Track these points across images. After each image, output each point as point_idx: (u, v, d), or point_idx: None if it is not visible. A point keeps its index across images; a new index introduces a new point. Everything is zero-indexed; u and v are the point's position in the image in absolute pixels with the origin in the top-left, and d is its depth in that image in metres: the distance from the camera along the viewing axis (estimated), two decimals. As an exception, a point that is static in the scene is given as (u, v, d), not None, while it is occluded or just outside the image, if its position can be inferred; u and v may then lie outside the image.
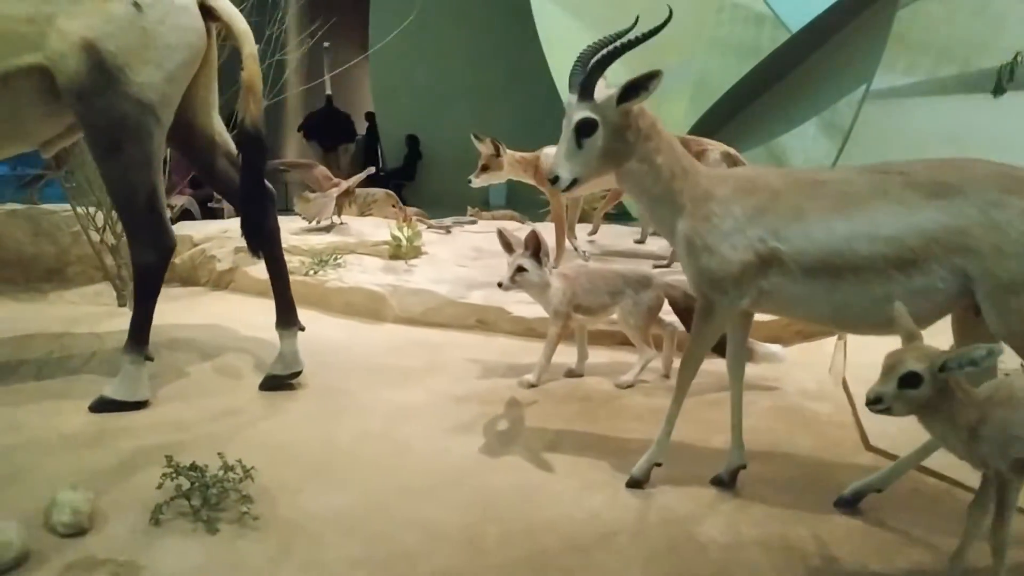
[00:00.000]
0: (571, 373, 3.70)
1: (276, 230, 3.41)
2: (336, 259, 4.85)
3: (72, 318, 4.49)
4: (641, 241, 5.62)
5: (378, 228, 5.56)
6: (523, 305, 4.31)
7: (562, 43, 11.08)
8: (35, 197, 6.27)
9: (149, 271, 3.18)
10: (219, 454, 2.62)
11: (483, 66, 14.05)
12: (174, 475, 2.53)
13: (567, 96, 2.57)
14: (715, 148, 4.85)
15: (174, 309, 4.54)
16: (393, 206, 6.95)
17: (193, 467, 2.56)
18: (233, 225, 5.46)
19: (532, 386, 3.54)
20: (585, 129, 2.50)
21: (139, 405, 3.21)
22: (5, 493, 2.60)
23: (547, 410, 3.37)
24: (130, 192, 3.06)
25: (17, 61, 2.87)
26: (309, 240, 5.28)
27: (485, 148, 4.79)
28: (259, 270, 5.05)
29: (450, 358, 3.92)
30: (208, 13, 3.12)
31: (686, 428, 3.01)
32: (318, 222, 5.51)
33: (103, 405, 3.17)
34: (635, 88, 2.44)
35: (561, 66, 11.01)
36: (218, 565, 2.27)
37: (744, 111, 11.40)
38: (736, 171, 2.54)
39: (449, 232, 5.92)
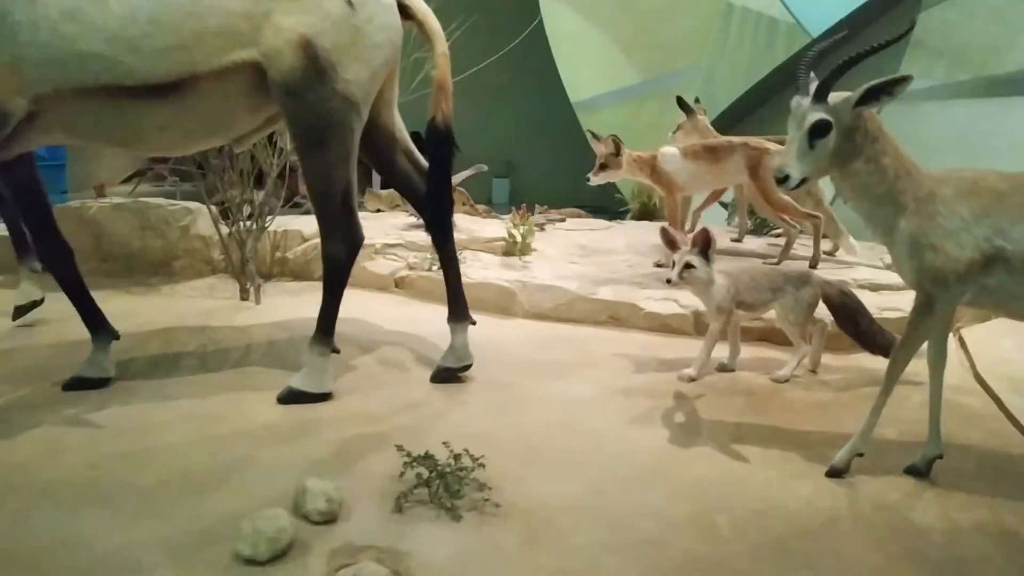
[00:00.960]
0: (723, 368, 3.78)
1: (453, 225, 3.47)
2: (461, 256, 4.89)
3: (201, 312, 4.53)
4: (739, 240, 5.71)
5: (486, 225, 5.62)
6: (655, 302, 4.40)
7: (570, 41, 11.21)
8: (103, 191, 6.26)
9: (340, 265, 3.24)
10: (444, 443, 2.68)
11: (489, 63, 14.16)
12: (413, 464, 2.59)
13: (796, 98, 2.64)
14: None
15: (302, 303, 4.59)
16: (463, 203, 7.02)
17: (427, 456, 2.62)
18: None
19: (692, 380, 3.62)
20: (819, 130, 2.57)
21: (325, 397, 3.26)
22: (243, 482, 2.64)
23: (715, 403, 3.44)
24: (329, 187, 3.12)
25: (233, 56, 2.92)
26: (409, 236, 5.34)
27: (604, 147, 4.87)
28: (377, 265, 5.17)
29: (596, 353, 3.99)
30: (403, 12, 3.17)
31: (850, 421, 3.11)
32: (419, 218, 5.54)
33: (292, 396, 3.22)
34: (877, 92, 2.52)
35: (569, 64, 11.23)
36: (475, 550, 2.31)
37: (756, 114, 11.47)
38: (955, 173, 2.62)
39: (543, 229, 5.98)
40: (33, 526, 2.36)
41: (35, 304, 4.28)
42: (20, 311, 4.27)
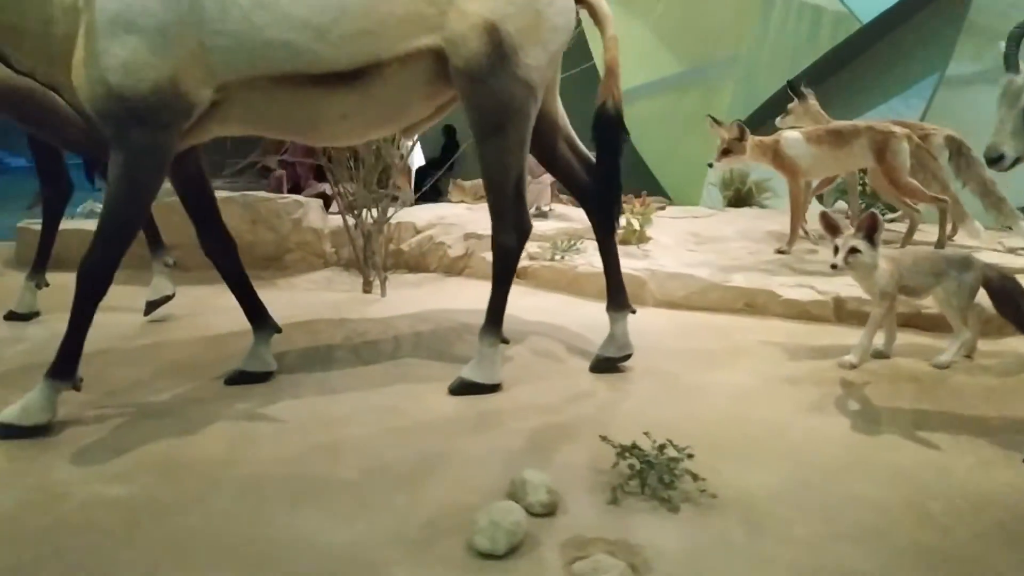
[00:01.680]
0: (879, 354, 3.70)
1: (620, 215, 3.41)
2: (574, 244, 4.86)
3: (330, 304, 4.53)
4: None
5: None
6: (790, 288, 4.33)
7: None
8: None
9: (509, 253, 3.21)
10: (645, 434, 2.64)
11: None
12: (625, 455, 2.55)
13: (1007, 75, 2.56)
14: (938, 132, 4.85)
15: (427, 295, 4.58)
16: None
17: (634, 447, 2.58)
18: (450, 211, 5.49)
19: (853, 367, 3.55)
20: (1039, 106, 2.50)
21: (495, 388, 3.23)
22: (448, 475, 2.61)
23: (885, 391, 3.37)
24: (504, 174, 3.08)
25: (416, 42, 2.88)
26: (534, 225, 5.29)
27: (728, 132, 4.80)
28: None
29: (742, 341, 3.92)
30: None
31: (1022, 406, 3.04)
32: (537, 208, 5.52)
33: (463, 387, 3.20)
34: None
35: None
36: (702, 542, 2.27)
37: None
38: None
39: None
40: (248, 523, 2.34)
41: (167, 299, 4.30)
42: (152, 306, 4.30)
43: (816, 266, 4.75)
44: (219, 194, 5.50)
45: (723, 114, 9.63)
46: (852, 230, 3.44)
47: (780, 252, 4.94)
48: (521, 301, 4.57)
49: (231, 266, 3.43)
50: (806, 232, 5.10)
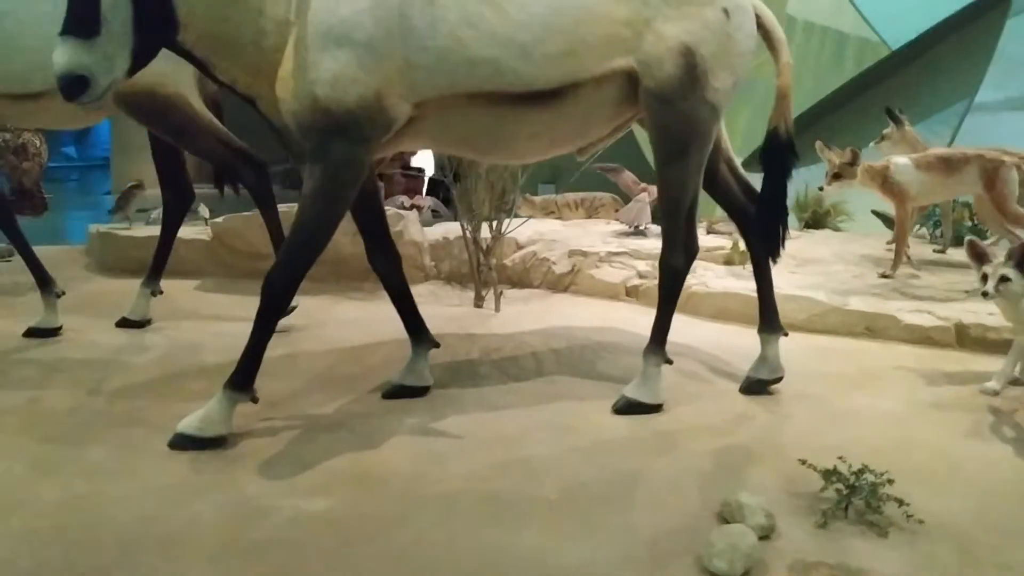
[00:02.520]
0: (1017, 381, 3.74)
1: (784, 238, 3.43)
2: (685, 265, 4.89)
3: (447, 319, 4.57)
4: (942, 251, 5.67)
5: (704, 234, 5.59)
6: (912, 313, 4.36)
7: None
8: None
9: (679, 274, 3.24)
10: (839, 458, 2.65)
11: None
12: (832, 479, 2.56)
13: None
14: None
15: (540, 310, 4.59)
16: (616, 210, 7.03)
17: (835, 471, 2.59)
18: (548, 227, 5.51)
19: (995, 393, 3.58)
20: None
21: (658, 408, 3.25)
22: (652, 495, 2.63)
23: (1037, 416, 3.40)
24: (681, 195, 3.12)
25: (612, 64, 2.92)
26: (630, 244, 5.32)
27: (839, 157, 4.85)
28: (604, 273, 5.16)
29: (874, 366, 3.94)
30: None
31: None
32: (637, 227, 5.55)
33: (628, 407, 3.22)
34: None
35: None
36: (919, 568, 2.28)
37: (821, 123, 11.21)
38: None
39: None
40: (465, 541, 2.34)
41: (291, 310, 4.29)
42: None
43: (926, 291, 4.79)
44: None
45: (741, 131, 9.61)
46: (1000, 258, 3.48)
47: (884, 276, 4.98)
48: (641, 320, 4.60)
49: (396, 281, 3.45)
50: (908, 257, 5.14)
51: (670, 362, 3.35)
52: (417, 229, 5.25)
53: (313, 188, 2.82)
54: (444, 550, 2.29)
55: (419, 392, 3.40)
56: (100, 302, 4.95)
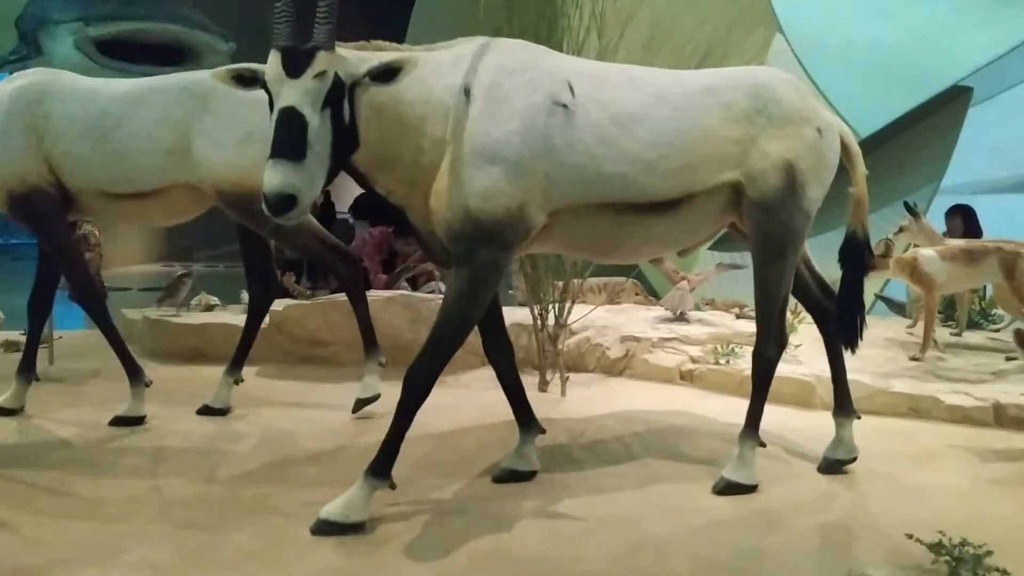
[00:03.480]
0: (1061, 456, 4.07)
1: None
2: (732, 349, 5.21)
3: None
4: (958, 334, 6.10)
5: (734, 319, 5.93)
6: (951, 395, 4.70)
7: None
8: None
9: (770, 364, 3.55)
10: (940, 532, 2.92)
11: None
12: (942, 553, 2.82)
13: None
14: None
15: (603, 396, 4.85)
16: (636, 294, 7.39)
17: (940, 544, 2.86)
18: (594, 314, 5.80)
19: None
20: None
21: (755, 488, 3.50)
22: (781, 571, 2.86)
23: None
24: (777, 293, 3.45)
25: (722, 176, 3.28)
26: (679, 330, 5.64)
27: (875, 249, 5.26)
28: (658, 358, 5.45)
29: (930, 444, 4.22)
30: None
31: None
32: (680, 313, 5.89)
33: (728, 488, 3.46)
34: None
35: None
36: None
37: None
38: None
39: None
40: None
41: (376, 398, 4.49)
42: (361, 403, 4.50)
43: (956, 372, 5.16)
44: (382, 296, 5.80)
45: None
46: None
47: (915, 359, 5.36)
48: (702, 403, 4.88)
49: (509, 370, 3.70)
50: (935, 341, 5.53)
51: (763, 445, 3.62)
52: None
53: (459, 289, 3.08)
54: None
55: (528, 476, 3.62)
56: (168, 389, 5.06)
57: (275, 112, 2.70)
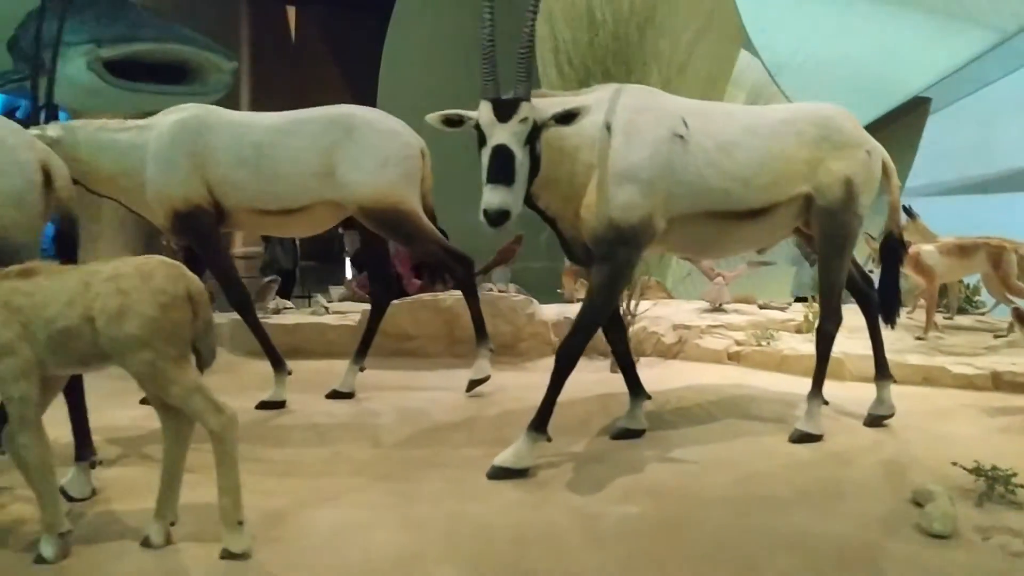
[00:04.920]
0: (1051, 410, 5.04)
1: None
2: (770, 333, 6.14)
3: (595, 381, 5.60)
4: (950, 318, 7.11)
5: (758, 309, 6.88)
6: (956, 365, 5.67)
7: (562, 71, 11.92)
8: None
9: (831, 337, 4.47)
10: (975, 463, 3.82)
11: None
12: (980, 474, 3.73)
13: None
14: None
15: (665, 375, 5.72)
16: (661, 292, 8.31)
17: (978, 468, 3.76)
18: (642, 307, 6.67)
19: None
20: None
21: (821, 437, 4.39)
22: (858, 493, 3.75)
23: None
24: (837, 281, 4.38)
25: (798, 189, 4.20)
26: (721, 319, 6.55)
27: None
28: (707, 342, 6.35)
29: (944, 405, 5.15)
30: None
31: None
32: (719, 305, 6.81)
33: (802, 437, 4.36)
34: None
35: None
36: None
37: None
38: None
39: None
40: (747, 523, 3.44)
41: (486, 379, 5.30)
42: (474, 384, 5.30)
43: (956, 348, 6.18)
44: (460, 296, 6.57)
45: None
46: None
47: (919, 339, 6.34)
48: (751, 378, 5.79)
49: (623, 346, 4.57)
50: (936, 324, 6.53)
51: (826, 403, 4.53)
52: (544, 311, 6.35)
53: (602, 281, 3.92)
54: (737, 531, 3.34)
55: (638, 434, 4.47)
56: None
57: (488, 148, 3.51)
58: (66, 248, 3.75)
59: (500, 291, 7.48)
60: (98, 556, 3.16)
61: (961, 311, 7.42)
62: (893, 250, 4.55)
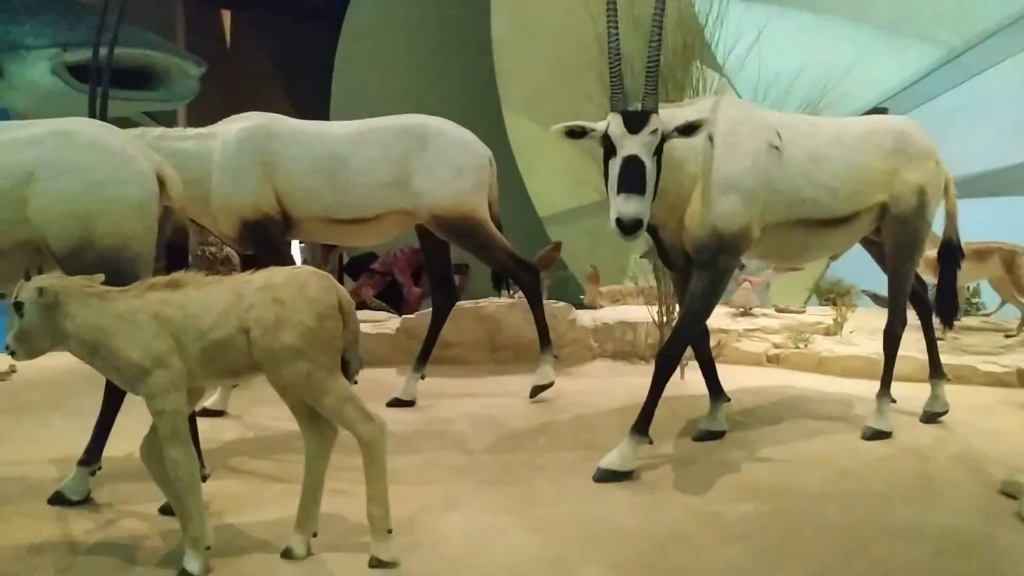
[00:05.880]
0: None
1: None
2: (805, 336, 6.38)
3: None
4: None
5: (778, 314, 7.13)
6: (983, 364, 5.99)
7: (533, 154, 11.77)
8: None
9: (898, 338, 4.73)
10: None
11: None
12: (1058, 463, 4.00)
13: None
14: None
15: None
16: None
17: (1053, 459, 4.04)
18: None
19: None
20: None
21: (890, 434, 4.61)
22: (943, 487, 3.97)
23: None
24: (906, 284, 4.64)
25: (876, 199, 4.43)
26: (756, 323, 6.78)
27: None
28: (746, 345, 6.56)
29: (982, 401, 5.47)
30: None
31: None
32: (747, 309, 7.02)
33: (874, 435, 4.58)
34: None
35: (534, 177, 11.76)
36: None
37: None
38: None
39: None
40: (862, 512, 3.64)
41: (550, 385, 5.39)
42: (538, 389, 5.39)
43: (974, 347, 6.53)
44: (507, 303, 6.65)
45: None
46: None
47: (939, 339, 6.65)
48: (794, 380, 6.00)
49: (705, 350, 4.72)
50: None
51: (894, 401, 4.75)
52: (585, 317, 6.48)
53: (703, 287, 4.07)
54: (851, 525, 3.53)
55: (719, 435, 4.63)
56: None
57: (619, 159, 3.62)
58: (177, 258, 3.72)
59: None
60: (241, 569, 3.16)
61: (965, 313, 7.82)
62: (951, 255, 4.83)
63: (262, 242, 5.01)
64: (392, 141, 4.97)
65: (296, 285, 3.10)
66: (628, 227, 3.56)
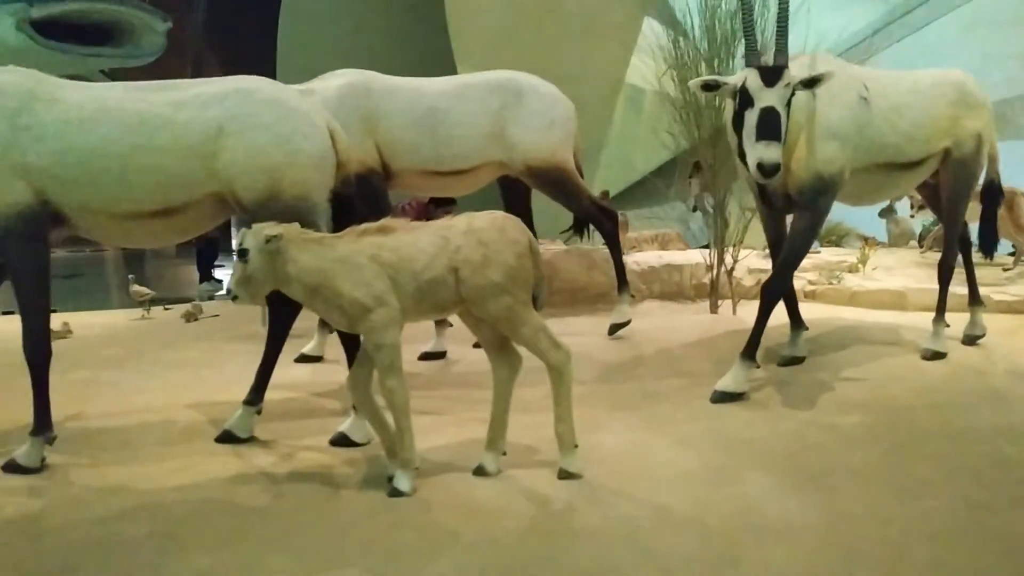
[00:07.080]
0: (1086, 327, 6.09)
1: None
2: (836, 274, 6.96)
3: (709, 320, 6.22)
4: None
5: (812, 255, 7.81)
6: (996, 293, 6.66)
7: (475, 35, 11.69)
8: None
9: (951, 269, 5.32)
10: None
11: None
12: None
13: None
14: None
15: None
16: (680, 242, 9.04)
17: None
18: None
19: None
20: None
21: (945, 354, 5.20)
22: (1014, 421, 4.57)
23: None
24: (960, 220, 5.25)
25: (942, 144, 4.96)
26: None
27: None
28: None
29: (1003, 327, 6.07)
30: None
31: None
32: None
33: (934, 355, 5.15)
34: None
35: (471, 57, 11.21)
36: None
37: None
38: None
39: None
40: (930, 423, 4.21)
41: (627, 323, 5.81)
42: (616, 327, 5.83)
43: (983, 280, 7.13)
44: (562, 249, 6.99)
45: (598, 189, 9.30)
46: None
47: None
48: (830, 312, 6.56)
49: (790, 295, 5.16)
50: (957, 259, 7.58)
51: (948, 325, 5.34)
52: (628, 262, 6.91)
53: (805, 226, 4.55)
54: (950, 431, 4.07)
55: (801, 360, 5.16)
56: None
57: (756, 110, 4.02)
58: (345, 210, 3.96)
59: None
60: (446, 487, 3.49)
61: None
62: (992, 194, 5.42)
63: (364, 195, 5.23)
64: (489, 95, 5.24)
65: (497, 228, 3.42)
66: (769, 170, 3.98)
